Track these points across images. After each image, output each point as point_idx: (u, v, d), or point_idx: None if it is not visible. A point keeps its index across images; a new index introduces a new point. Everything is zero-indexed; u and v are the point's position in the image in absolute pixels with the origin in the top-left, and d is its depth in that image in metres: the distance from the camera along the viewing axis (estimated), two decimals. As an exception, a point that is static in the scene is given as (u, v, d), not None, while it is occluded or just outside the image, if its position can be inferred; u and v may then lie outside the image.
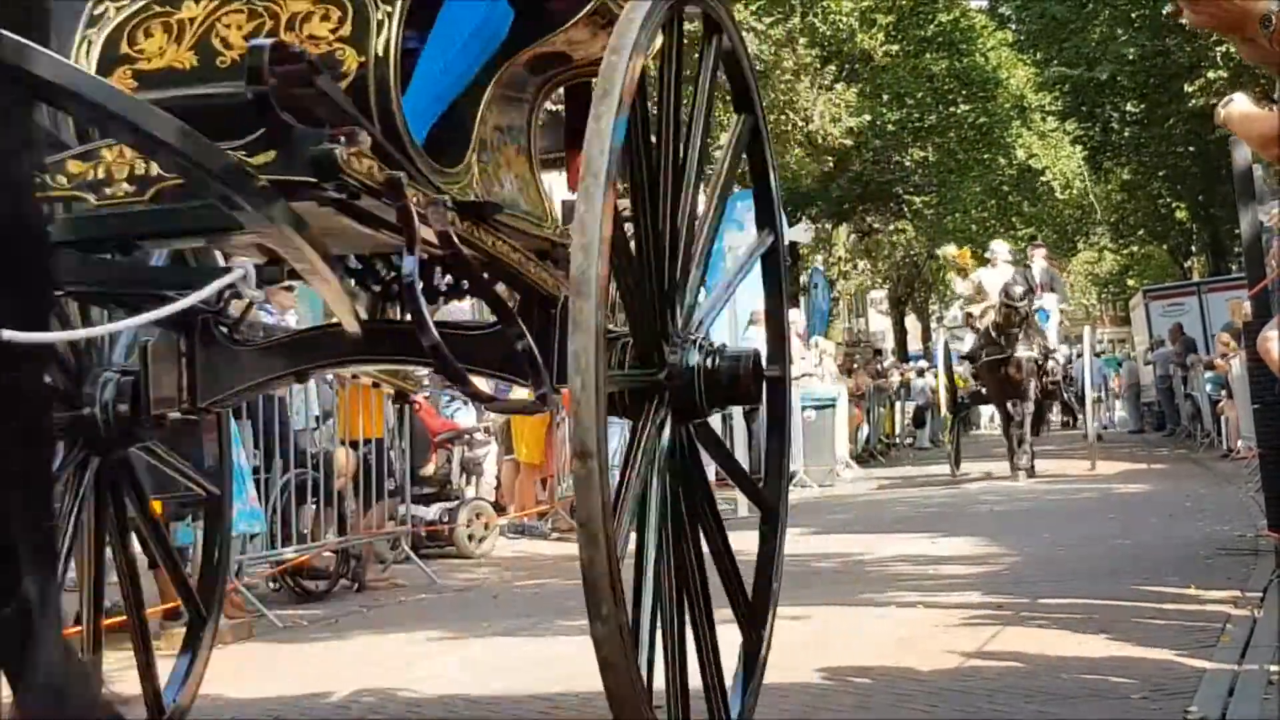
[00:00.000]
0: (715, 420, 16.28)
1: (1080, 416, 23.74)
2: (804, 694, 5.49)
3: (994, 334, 18.55)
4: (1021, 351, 18.45)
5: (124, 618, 7.99)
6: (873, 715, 5.08)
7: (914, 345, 47.20)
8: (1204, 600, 7.24)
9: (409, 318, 3.56)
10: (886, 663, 6.01)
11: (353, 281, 4.30)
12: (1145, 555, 9.50)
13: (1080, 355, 23.22)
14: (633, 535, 3.41)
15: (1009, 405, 19.24)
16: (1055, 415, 43.93)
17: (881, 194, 33.72)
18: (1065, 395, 21.26)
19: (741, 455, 15.93)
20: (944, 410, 22.79)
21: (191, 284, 3.44)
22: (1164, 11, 29.80)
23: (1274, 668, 5.29)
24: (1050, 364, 19.30)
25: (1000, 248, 20.49)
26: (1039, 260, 20.79)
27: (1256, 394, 8.70)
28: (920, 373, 33.93)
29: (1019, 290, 18.20)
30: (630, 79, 3.29)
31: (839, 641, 6.72)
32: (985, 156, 34.39)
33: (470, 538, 11.92)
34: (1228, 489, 14.88)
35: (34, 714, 2.70)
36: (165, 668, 7.16)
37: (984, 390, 20.04)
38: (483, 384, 13.85)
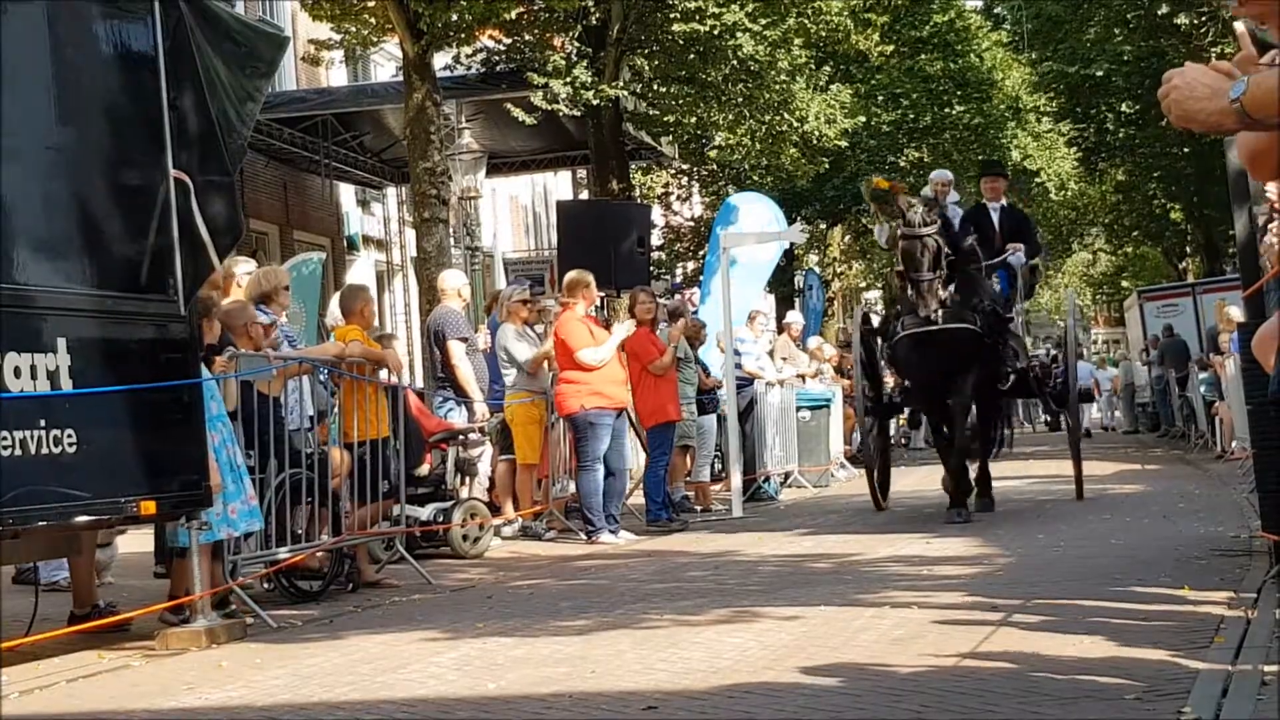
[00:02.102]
0: (711, 419, 16.26)
1: (1064, 418, 16.75)
2: (798, 694, 5.50)
3: (911, 296, 12.68)
4: (954, 320, 12.70)
5: (119, 617, 8.05)
6: (866, 715, 5.08)
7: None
8: (1198, 601, 7.25)
9: None
10: (881, 663, 6.01)
11: None
12: (1139, 556, 9.51)
13: (1056, 345, 18.43)
14: None
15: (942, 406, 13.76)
16: (1028, 418, 43.69)
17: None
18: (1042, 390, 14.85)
19: (735, 454, 15.94)
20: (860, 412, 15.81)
21: None
22: (1159, 12, 29.96)
23: (1268, 668, 5.30)
24: (1011, 342, 13.88)
25: (943, 179, 15.27)
26: (1000, 199, 15.08)
27: (1251, 395, 8.71)
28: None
29: (918, 214, 12.44)
30: None
31: (833, 641, 6.72)
32: (980, 157, 34.42)
33: (465, 538, 11.91)
34: (1222, 490, 14.91)
35: None
36: (160, 667, 7.18)
37: (906, 383, 14.66)
38: (472, 387, 13.84)
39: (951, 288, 12.59)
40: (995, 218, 14.73)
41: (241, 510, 8.20)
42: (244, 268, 10.42)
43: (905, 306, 13.00)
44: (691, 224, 34.37)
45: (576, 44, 21.45)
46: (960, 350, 12.82)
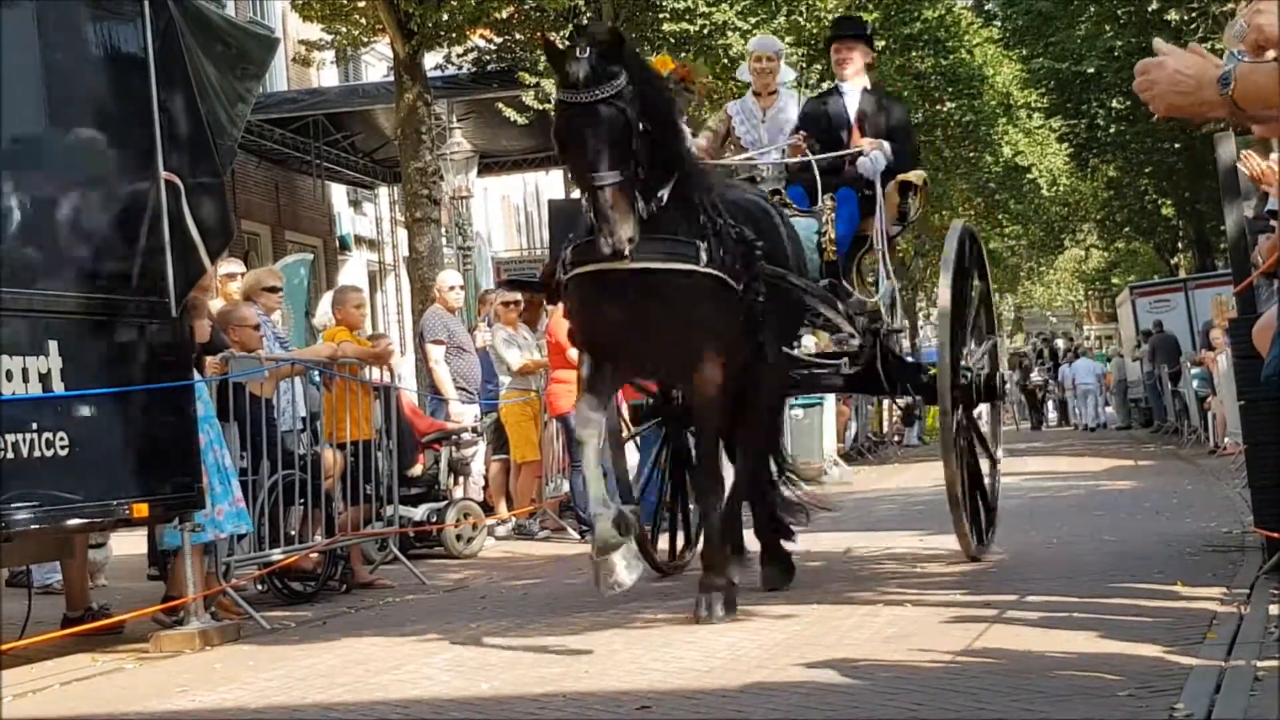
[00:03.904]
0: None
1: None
2: (792, 692, 5.50)
3: (586, 211, 7.18)
4: (662, 254, 7.23)
5: (113, 620, 8.05)
6: (860, 714, 5.08)
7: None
8: (1191, 597, 7.26)
9: None
10: (874, 661, 6.02)
11: None
12: (1132, 552, 9.51)
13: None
14: None
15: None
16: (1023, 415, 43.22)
17: (868, 192, 33.79)
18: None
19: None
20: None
21: None
22: (1149, 9, 29.99)
23: (1260, 664, 5.30)
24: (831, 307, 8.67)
25: (766, 49, 9.91)
26: (857, 76, 9.73)
27: (1243, 390, 8.72)
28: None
29: (582, 66, 6.97)
30: None
31: (827, 640, 6.72)
32: (971, 154, 34.43)
33: (458, 538, 11.91)
34: (1215, 485, 14.91)
35: None
36: (154, 669, 7.17)
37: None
38: (447, 388, 13.79)
39: (664, 195, 7.17)
40: (850, 106, 9.58)
41: (229, 512, 8.19)
42: (226, 269, 10.41)
43: (582, 228, 7.32)
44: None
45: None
46: (681, 311, 7.32)
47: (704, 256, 7.27)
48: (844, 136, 9.51)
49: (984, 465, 9.80)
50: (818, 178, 9.10)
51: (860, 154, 9.34)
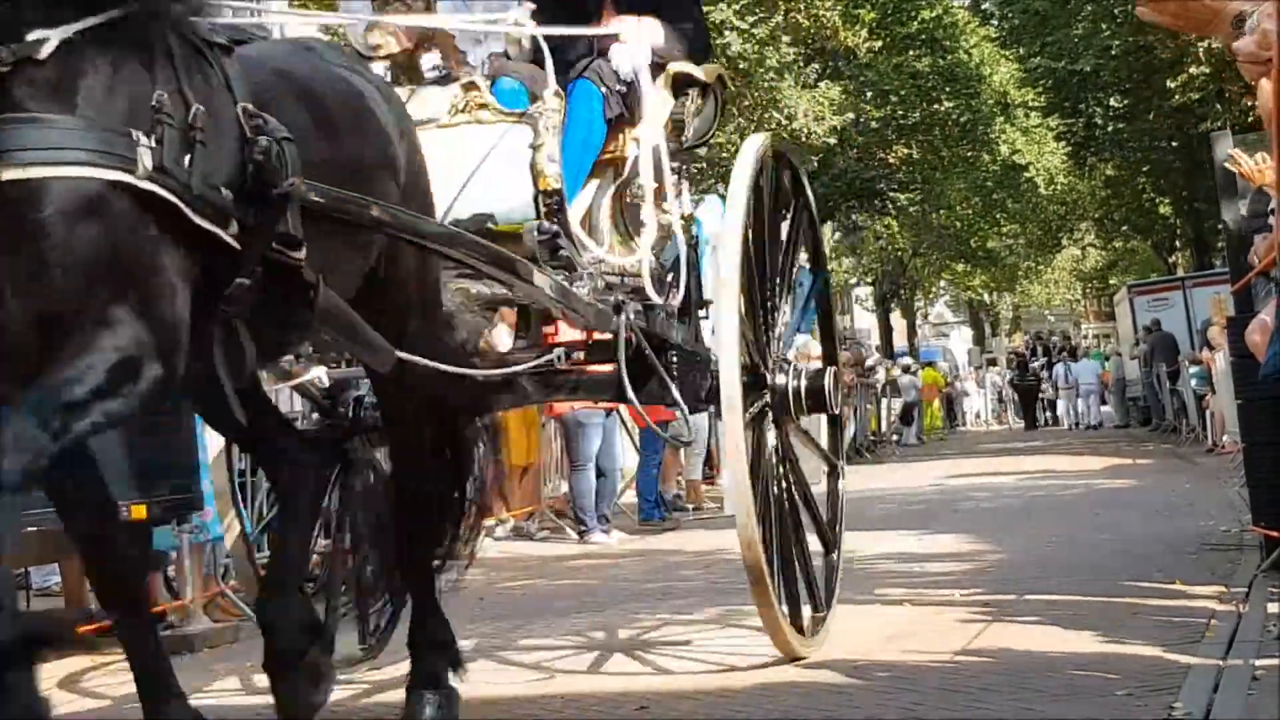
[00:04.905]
0: (701, 419, 16.32)
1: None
2: (790, 693, 5.50)
3: None
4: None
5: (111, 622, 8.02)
6: (859, 713, 5.08)
7: (900, 342, 47.32)
8: (1189, 596, 7.26)
9: None
10: (872, 660, 6.02)
11: None
12: (1130, 551, 9.52)
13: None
14: None
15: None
16: (1022, 413, 43.35)
17: (866, 192, 33.78)
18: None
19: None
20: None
21: None
22: (1136, 12, 30.01)
23: (1259, 663, 5.31)
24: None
25: None
26: None
27: (1241, 389, 8.73)
28: (906, 369, 34.09)
29: None
30: None
31: (824, 640, 6.72)
32: (969, 154, 34.43)
33: (456, 539, 11.89)
34: (1213, 484, 14.92)
35: None
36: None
37: None
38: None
39: (52, 37, 3.40)
40: None
41: (216, 514, 8.15)
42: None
43: None
44: (681, 223, 34.39)
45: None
46: (80, 268, 3.40)
47: (146, 160, 3.49)
48: (595, 13, 6.13)
49: (808, 505, 6.69)
50: (549, 62, 5.73)
51: (614, 37, 5.94)
